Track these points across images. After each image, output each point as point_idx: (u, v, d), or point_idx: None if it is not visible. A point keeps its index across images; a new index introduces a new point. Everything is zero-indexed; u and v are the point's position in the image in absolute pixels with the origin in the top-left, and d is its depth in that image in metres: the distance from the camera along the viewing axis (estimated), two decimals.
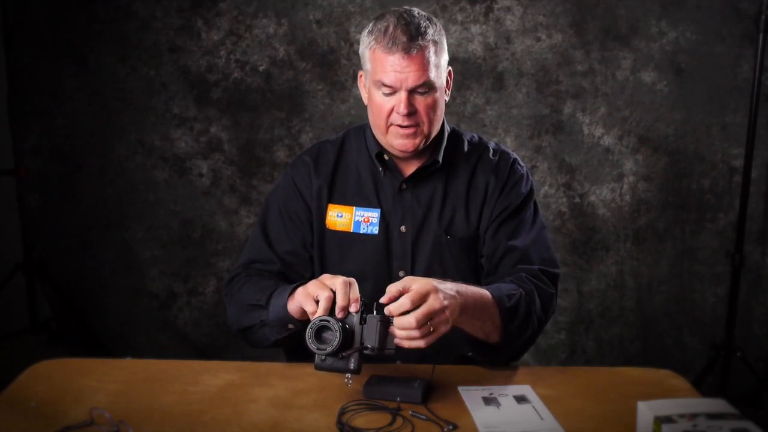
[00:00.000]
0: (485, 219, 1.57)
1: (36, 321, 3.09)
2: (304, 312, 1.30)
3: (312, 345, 1.21)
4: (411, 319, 1.20)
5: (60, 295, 3.09)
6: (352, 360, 1.22)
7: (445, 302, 1.23)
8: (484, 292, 1.36)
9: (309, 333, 1.21)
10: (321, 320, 1.21)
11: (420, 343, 1.22)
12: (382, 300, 1.23)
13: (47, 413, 1.22)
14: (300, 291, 1.32)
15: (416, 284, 1.23)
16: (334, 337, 1.20)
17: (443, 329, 1.24)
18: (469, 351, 1.44)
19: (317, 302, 1.26)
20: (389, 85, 1.46)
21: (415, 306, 1.20)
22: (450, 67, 1.56)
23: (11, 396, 1.30)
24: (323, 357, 1.22)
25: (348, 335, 1.22)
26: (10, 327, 2.99)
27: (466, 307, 1.29)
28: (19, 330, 3.03)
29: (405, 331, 1.21)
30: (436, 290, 1.23)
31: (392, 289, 1.23)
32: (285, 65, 3.01)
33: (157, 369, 1.42)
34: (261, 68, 3.02)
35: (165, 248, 3.15)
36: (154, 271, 3.17)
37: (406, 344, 1.23)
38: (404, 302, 1.20)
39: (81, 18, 3.00)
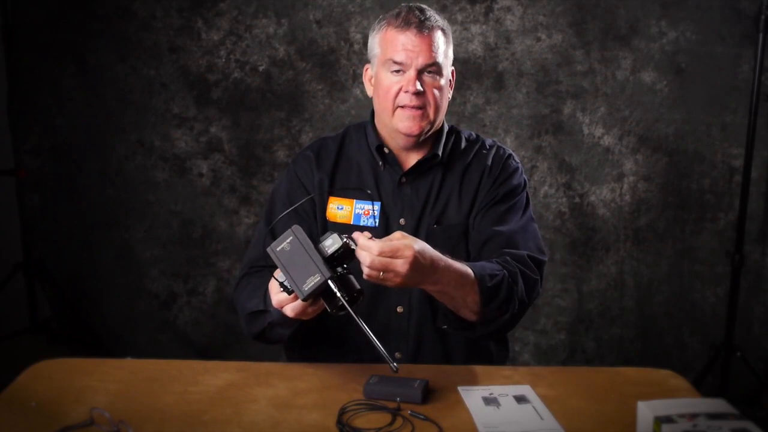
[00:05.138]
0: (475, 208, 1.60)
1: (36, 321, 3.08)
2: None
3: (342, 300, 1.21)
4: (367, 258, 1.24)
5: (60, 295, 3.09)
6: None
7: (406, 270, 1.26)
8: (467, 269, 1.38)
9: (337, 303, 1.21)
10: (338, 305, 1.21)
11: (365, 274, 1.27)
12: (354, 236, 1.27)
13: (47, 413, 1.22)
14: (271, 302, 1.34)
15: (398, 242, 1.27)
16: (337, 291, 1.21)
17: (389, 284, 1.28)
18: (444, 324, 1.47)
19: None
20: (400, 62, 1.51)
21: (382, 254, 1.24)
22: (453, 67, 1.60)
23: (11, 396, 1.30)
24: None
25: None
26: (10, 327, 2.99)
27: (436, 279, 1.33)
28: (19, 330, 3.03)
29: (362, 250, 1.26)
30: (410, 258, 1.26)
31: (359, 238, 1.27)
32: (285, 65, 3.01)
33: (157, 369, 1.42)
34: (261, 68, 3.02)
35: (165, 248, 3.15)
36: (154, 271, 3.17)
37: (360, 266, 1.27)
38: (372, 246, 1.24)
39: (81, 18, 3.00)
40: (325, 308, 1.24)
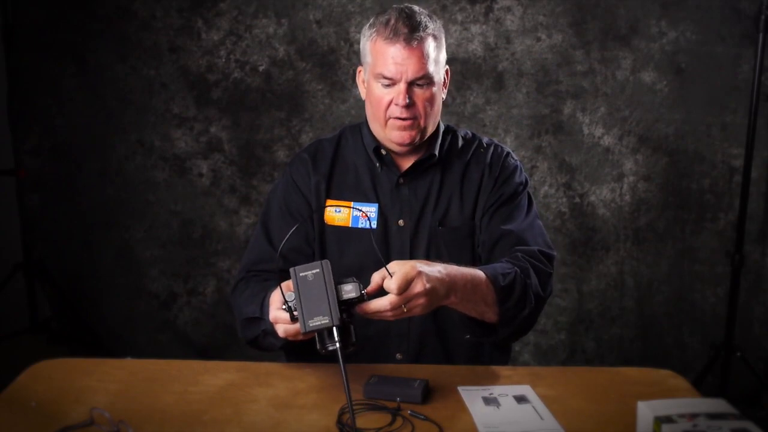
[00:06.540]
0: (479, 209, 1.60)
1: (36, 321, 3.09)
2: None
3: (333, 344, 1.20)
4: (385, 302, 1.21)
5: (60, 295, 3.09)
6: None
7: (428, 285, 1.24)
8: (477, 272, 1.37)
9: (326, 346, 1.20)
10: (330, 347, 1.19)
11: (389, 318, 1.25)
12: (368, 290, 1.22)
13: (47, 413, 1.22)
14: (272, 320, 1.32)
15: (401, 270, 1.22)
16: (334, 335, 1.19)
17: (416, 311, 1.25)
18: (467, 334, 1.46)
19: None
20: (389, 77, 1.49)
21: (401, 291, 1.21)
22: (448, 66, 1.58)
23: (11, 396, 1.30)
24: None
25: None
26: (10, 327, 2.99)
27: (454, 288, 1.30)
28: (19, 330, 3.03)
29: (378, 312, 1.22)
30: (420, 274, 1.23)
31: (376, 277, 1.24)
32: (285, 65, 3.01)
33: (157, 369, 1.42)
34: (261, 68, 3.02)
35: (165, 248, 3.15)
36: (154, 271, 3.17)
37: (376, 318, 1.24)
38: (391, 288, 1.20)
39: (81, 18, 3.00)
40: (314, 339, 1.22)
